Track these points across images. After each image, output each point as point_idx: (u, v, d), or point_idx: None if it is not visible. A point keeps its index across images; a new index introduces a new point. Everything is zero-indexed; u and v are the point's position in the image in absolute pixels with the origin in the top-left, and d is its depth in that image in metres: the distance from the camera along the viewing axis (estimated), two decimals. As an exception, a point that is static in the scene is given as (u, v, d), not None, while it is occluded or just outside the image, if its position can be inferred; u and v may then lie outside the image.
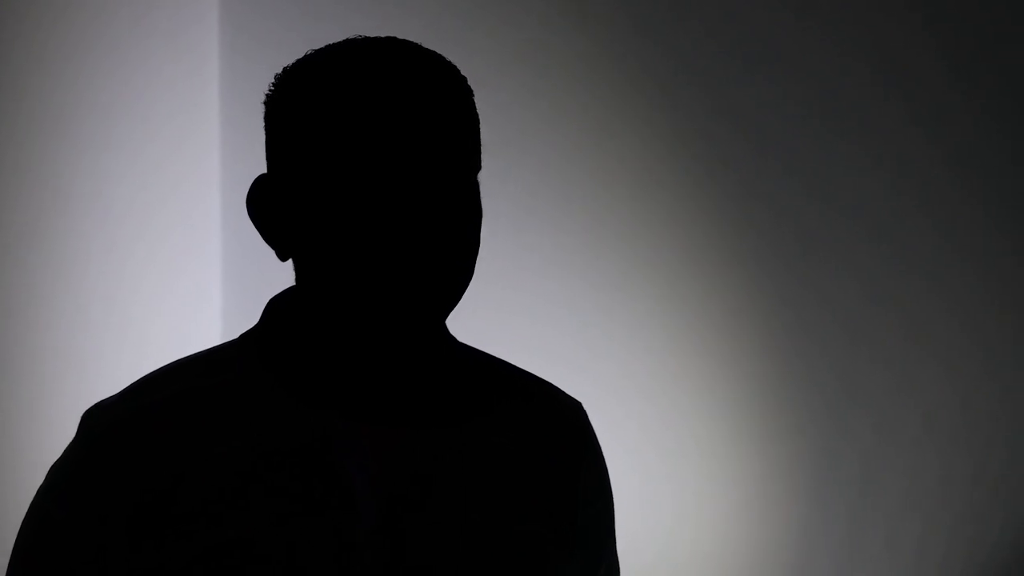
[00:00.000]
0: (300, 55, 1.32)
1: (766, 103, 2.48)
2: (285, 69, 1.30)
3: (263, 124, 1.32)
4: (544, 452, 1.37)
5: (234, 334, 1.93)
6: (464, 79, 1.29)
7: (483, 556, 1.30)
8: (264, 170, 1.33)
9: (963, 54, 2.32)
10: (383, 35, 1.31)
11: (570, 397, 1.44)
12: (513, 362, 1.48)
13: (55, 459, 1.34)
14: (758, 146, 2.50)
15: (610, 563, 1.47)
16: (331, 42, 1.31)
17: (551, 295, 2.71)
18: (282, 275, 1.52)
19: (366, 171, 1.23)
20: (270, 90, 1.30)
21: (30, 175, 2.84)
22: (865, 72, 2.40)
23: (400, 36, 1.33)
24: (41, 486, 1.32)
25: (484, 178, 2.68)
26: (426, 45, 1.31)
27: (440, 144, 1.24)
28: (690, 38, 2.56)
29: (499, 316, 2.76)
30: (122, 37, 2.95)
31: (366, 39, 1.28)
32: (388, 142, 1.22)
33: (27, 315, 2.82)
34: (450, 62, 1.29)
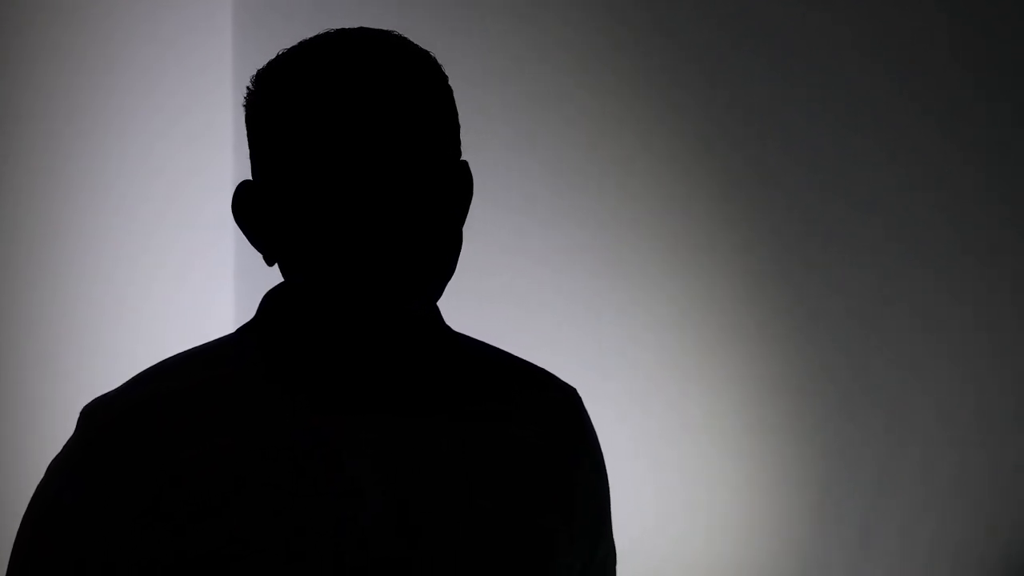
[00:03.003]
0: None
1: (782, 98, 2.48)
2: (259, 72, 1.30)
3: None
4: (547, 443, 1.38)
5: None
6: (437, 66, 1.28)
7: (490, 547, 1.30)
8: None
9: (978, 49, 2.31)
10: (384, 28, 1.31)
11: (566, 384, 1.45)
12: (526, 354, 1.48)
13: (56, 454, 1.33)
14: (774, 141, 2.49)
15: (607, 548, 1.47)
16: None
17: (564, 289, 2.71)
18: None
19: (337, 170, 1.23)
20: (247, 94, 1.31)
21: (44, 172, 2.84)
22: (881, 67, 2.39)
23: (412, 32, 1.33)
24: (43, 479, 1.32)
25: (500, 174, 2.69)
26: (438, 41, 1.30)
27: (410, 135, 1.24)
28: (706, 33, 2.55)
29: (511, 310, 2.76)
30: (135, 34, 2.95)
31: (338, 33, 1.28)
32: (357, 139, 1.23)
33: (40, 311, 2.82)
34: (423, 50, 1.29)
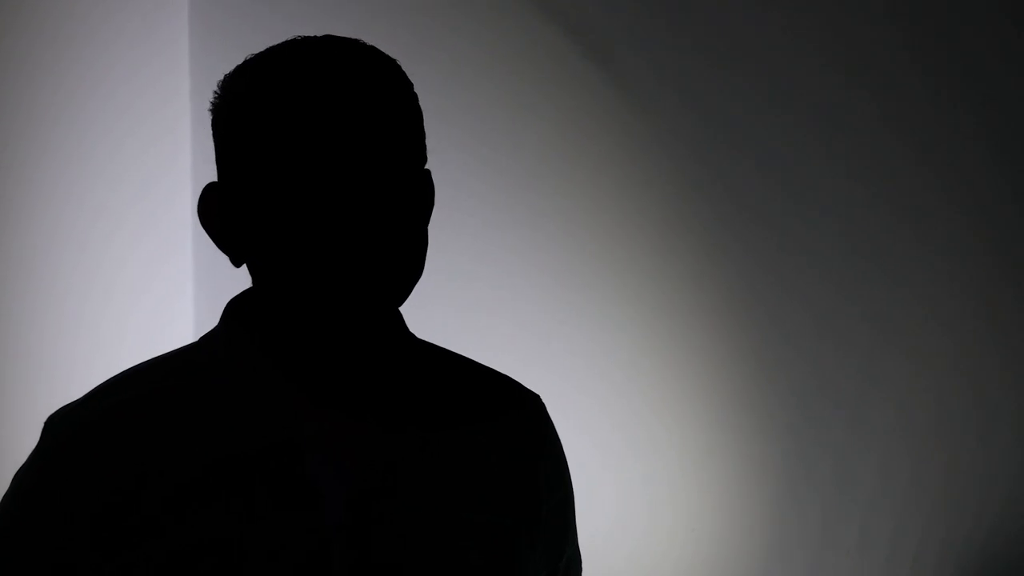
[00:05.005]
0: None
1: (740, 102, 2.48)
2: (226, 76, 1.31)
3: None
4: (510, 447, 1.39)
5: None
6: (402, 74, 1.29)
7: (454, 550, 1.31)
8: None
9: (933, 52, 2.32)
10: (349, 35, 1.32)
11: (529, 390, 1.46)
12: (490, 359, 1.48)
13: (20, 465, 1.33)
14: (732, 145, 2.50)
15: (572, 554, 1.48)
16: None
17: (525, 294, 2.71)
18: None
19: (305, 174, 1.24)
20: (214, 98, 1.31)
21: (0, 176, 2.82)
22: (838, 71, 2.40)
23: (375, 37, 1.33)
24: (7, 491, 1.32)
25: (460, 177, 2.69)
26: (404, 48, 1.31)
27: (376, 141, 1.25)
28: (664, 38, 2.56)
29: (473, 314, 2.76)
30: (93, 37, 2.94)
31: (305, 40, 1.29)
32: (324, 144, 1.24)
33: (-2, 319, 2.81)
34: (389, 57, 1.30)
